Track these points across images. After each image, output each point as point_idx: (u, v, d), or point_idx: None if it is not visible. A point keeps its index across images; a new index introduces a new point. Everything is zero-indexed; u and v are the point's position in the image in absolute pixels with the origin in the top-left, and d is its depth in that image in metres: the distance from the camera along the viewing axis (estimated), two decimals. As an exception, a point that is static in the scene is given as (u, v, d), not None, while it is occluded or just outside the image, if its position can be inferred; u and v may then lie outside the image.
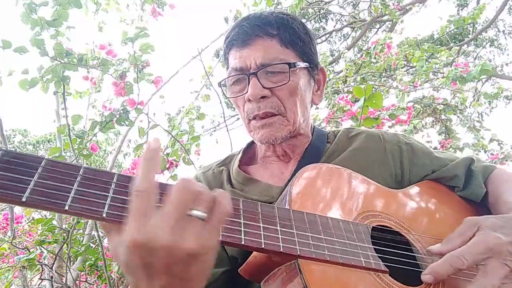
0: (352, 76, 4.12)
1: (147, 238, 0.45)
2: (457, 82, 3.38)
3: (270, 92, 0.89)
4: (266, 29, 0.90)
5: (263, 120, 0.90)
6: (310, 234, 0.64)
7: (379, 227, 0.76)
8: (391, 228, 0.77)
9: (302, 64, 0.92)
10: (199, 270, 0.50)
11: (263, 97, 0.88)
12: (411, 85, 3.90)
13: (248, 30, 0.91)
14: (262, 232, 0.59)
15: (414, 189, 0.91)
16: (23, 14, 1.92)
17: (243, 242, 0.56)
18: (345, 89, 3.80)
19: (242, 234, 0.56)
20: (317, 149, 0.98)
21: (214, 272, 0.85)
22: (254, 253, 0.69)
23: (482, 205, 0.91)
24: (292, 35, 0.92)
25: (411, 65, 4.63)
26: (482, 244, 0.65)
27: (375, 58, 4.32)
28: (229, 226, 0.56)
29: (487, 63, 3.24)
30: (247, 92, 0.89)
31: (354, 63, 4.39)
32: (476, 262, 0.64)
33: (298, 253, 0.60)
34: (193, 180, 0.50)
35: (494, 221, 0.71)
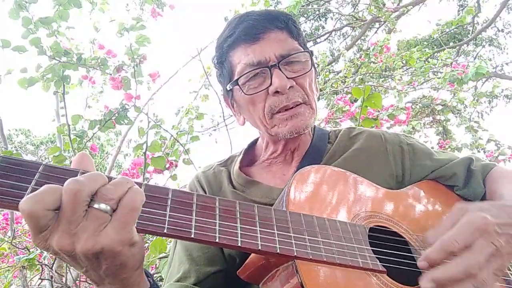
0: (351, 77, 4.13)
1: (48, 243, 0.47)
2: (455, 83, 3.39)
3: (294, 81, 0.89)
4: (275, 23, 0.91)
5: (291, 110, 0.89)
6: (307, 236, 0.64)
7: (377, 227, 0.76)
8: (389, 228, 0.78)
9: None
10: (114, 265, 0.49)
11: (289, 87, 0.88)
12: (409, 86, 3.91)
13: (257, 25, 0.90)
14: (258, 235, 0.59)
15: (413, 189, 0.91)
16: (11, 10, 1.91)
17: (239, 244, 0.56)
18: (344, 90, 3.81)
19: (239, 236, 0.57)
20: (318, 150, 0.98)
21: (205, 270, 0.86)
22: (252, 255, 0.69)
23: None
24: (296, 28, 0.95)
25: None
26: (469, 225, 0.65)
27: (374, 58, 4.32)
28: (226, 229, 0.57)
29: (483, 65, 3.22)
30: (270, 85, 0.88)
31: (353, 63, 4.39)
32: (468, 243, 0.63)
33: (295, 254, 0.60)
34: (97, 175, 0.49)
35: (482, 205, 0.72)
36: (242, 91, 0.91)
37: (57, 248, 0.46)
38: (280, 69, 0.87)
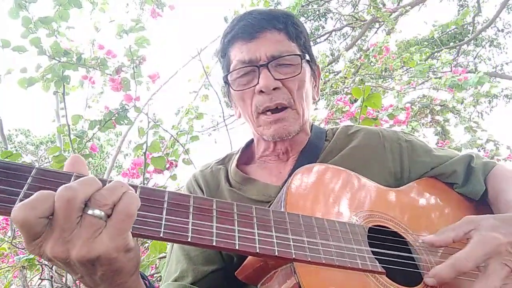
0: (351, 78, 4.13)
1: (42, 250, 0.46)
2: (453, 88, 3.39)
3: (281, 83, 0.89)
4: (274, 23, 0.91)
5: (276, 115, 0.90)
6: (305, 238, 0.63)
7: (377, 227, 0.76)
8: (388, 228, 0.77)
9: (307, 57, 0.94)
10: (109, 271, 0.49)
11: (275, 88, 0.88)
12: (408, 86, 3.91)
13: (255, 24, 0.90)
14: (256, 237, 0.58)
15: (412, 187, 0.90)
16: (11, 9, 1.91)
17: (237, 247, 0.55)
18: (344, 90, 3.81)
19: (236, 239, 0.56)
20: (315, 147, 0.98)
21: (203, 270, 0.86)
22: (250, 256, 0.69)
23: (481, 203, 0.91)
24: (296, 29, 0.94)
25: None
26: (482, 246, 0.66)
27: (374, 59, 4.32)
28: (223, 232, 0.56)
29: (485, 76, 3.23)
30: (257, 84, 0.88)
31: (353, 64, 4.39)
32: (478, 264, 0.65)
33: (294, 256, 0.60)
34: (91, 180, 0.47)
35: (492, 221, 0.72)
36: (231, 86, 0.94)
37: (51, 256, 0.45)
38: (268, 70, 0.88)
